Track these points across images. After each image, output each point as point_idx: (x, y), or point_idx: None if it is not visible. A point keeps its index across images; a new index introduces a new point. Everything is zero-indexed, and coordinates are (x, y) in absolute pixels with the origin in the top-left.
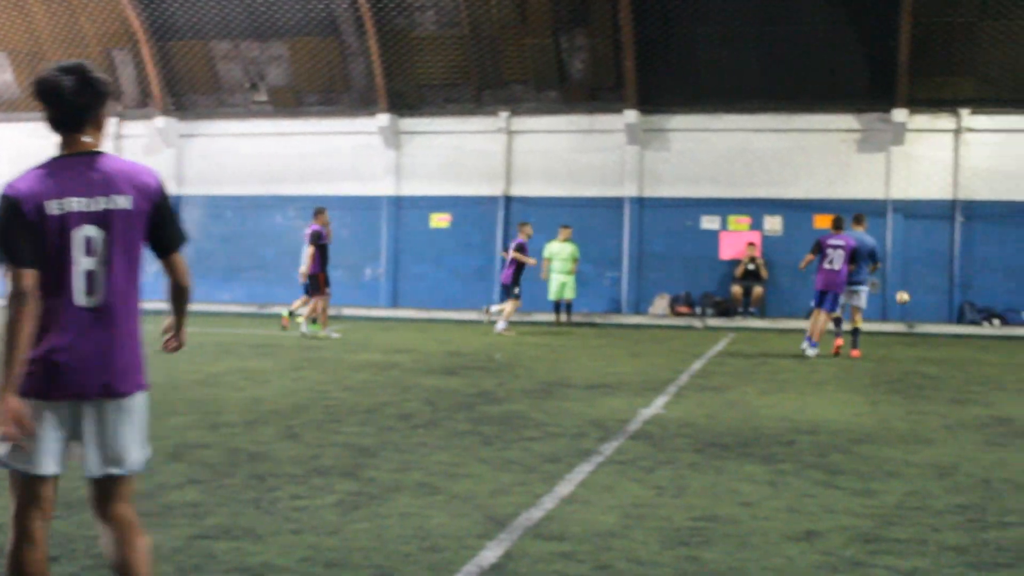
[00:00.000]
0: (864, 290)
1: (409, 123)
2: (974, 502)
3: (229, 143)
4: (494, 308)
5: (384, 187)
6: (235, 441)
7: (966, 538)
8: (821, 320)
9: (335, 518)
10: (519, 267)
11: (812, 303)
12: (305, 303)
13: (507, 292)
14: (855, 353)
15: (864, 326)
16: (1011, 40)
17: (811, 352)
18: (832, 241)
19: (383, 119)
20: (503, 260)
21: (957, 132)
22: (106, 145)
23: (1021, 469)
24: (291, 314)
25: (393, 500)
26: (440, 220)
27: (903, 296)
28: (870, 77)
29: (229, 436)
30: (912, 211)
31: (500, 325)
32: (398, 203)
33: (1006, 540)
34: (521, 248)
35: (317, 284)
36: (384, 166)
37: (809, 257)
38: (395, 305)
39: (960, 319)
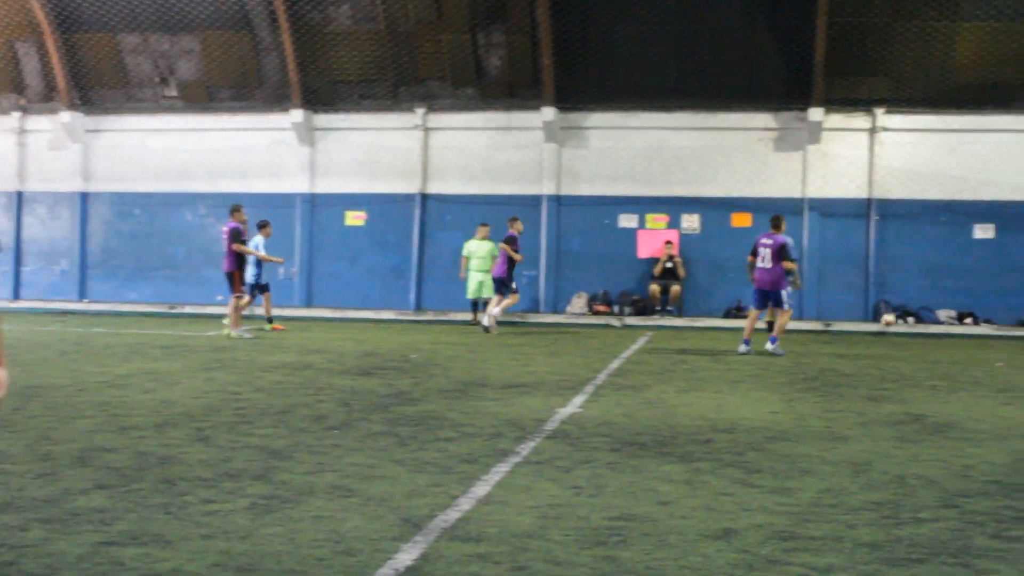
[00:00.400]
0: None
1: (324, 119)
2: (888, 499)
3: (138, 139)
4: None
5: (298, 184)
6: (144, 444)
7: (880, 534)
8: (751, 319)
9: (247, 522)
10: (511, 261)
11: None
12: (268, 300)
13: (501, 286)
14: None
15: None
16: (924, 40)
17: (743, 349)
18: (763, 240)
19: (297, 115)
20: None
21: (872, 131)
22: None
23: (934, 465)
24: (270, 319)
25: (306, 503)
26: (355, 218)
27: (888, 319)
28: (787, 76)
29: (137, 439)
30: (828, 209)
31: (495, 310)
32: (312, 201)
33: (919, 536)
34: (512, 241)
35: (233, 282)
36: (298, 163)
37: (750, 259)
38: (309, 304)
39: (875, 317)
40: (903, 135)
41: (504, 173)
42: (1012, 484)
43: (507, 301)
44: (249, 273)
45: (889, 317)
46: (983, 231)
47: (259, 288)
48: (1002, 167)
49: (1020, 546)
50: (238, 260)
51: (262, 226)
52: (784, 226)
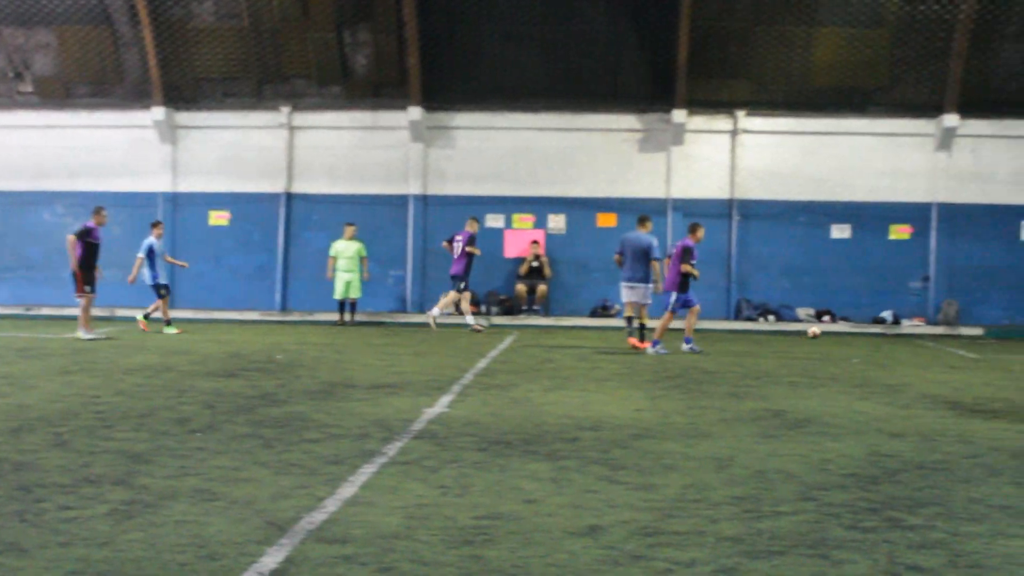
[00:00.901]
0: (644, 288)
1: (186, 117)
2: (749, 493)
3: None
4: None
5: (159, 183)
6: None
7: (742, 528)
8: (665, 319)
9: (107, 528)
10: (470, 260)
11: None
12: (157, 307)
13: (458, 281)
14: (634, 343)
15: (647, 322)
16: (784, 45)
17: (687, 348)
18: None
19: (158, 112)
20: (447, 253)
21: (734, 133)
22: None
23: (793, 460)
24: (147, 317)
25: (168, 508)
26: (219, 218)
27: (815, 331)
28: (651, 78)
29: None
30: (691, 210)
31: (435, 311)
32: (175, 200)
33: (779, 528)
34: (472, 241)
35: (76, 283)
36: (159, 161)
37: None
38: (172, 306)
39: (737, 315)
40: (763, 137)
41: (370, 173)
42: (867, 476)
43: (449, 298)
44: (148, 275)
45: (816, 329)
46: (840, 231)
47: (158, 289)
48: (858, 169)
49: (874, 536)
50: (84, 260)
51: (154, 225)
52: (647, 226)
